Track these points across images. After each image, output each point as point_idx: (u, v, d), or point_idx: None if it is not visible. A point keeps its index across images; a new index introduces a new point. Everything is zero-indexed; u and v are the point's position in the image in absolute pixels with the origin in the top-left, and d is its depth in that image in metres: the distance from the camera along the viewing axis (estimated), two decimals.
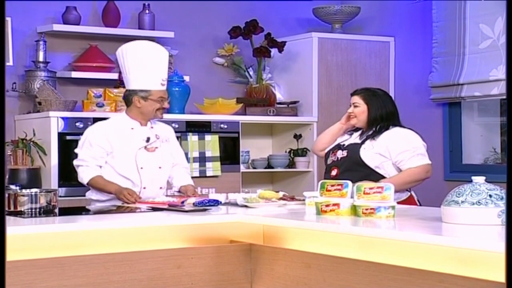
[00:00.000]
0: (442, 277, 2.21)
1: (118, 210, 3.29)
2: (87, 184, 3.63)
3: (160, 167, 3.72)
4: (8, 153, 4.51)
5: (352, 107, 3.64)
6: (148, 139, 3.70)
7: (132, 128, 3.69)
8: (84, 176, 3.61)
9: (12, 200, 2.94)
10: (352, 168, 3.47)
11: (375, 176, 3.42)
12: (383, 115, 3.57)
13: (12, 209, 2.93)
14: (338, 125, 3.75)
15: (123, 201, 3.48)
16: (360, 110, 3.60)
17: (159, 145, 3.74)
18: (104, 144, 3.63)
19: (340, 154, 3.58)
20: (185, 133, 4.83)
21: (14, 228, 2.63)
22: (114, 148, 3.63)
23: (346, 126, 3.70)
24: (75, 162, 3.68)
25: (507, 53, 2.01)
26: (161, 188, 3.75)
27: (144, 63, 3.65)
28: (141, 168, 3.66)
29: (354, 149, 3.54)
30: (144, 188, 3.66)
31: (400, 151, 3.47)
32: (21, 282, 2.49)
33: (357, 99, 3.63)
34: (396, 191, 3.44)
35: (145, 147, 3.69)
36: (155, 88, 3.65)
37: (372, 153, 3.48)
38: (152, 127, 3.76)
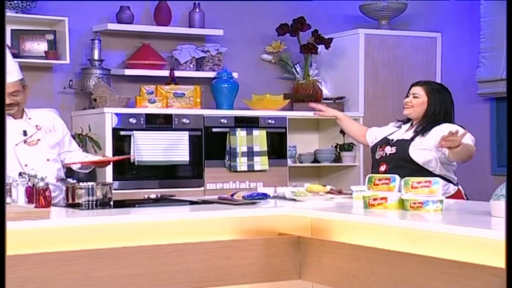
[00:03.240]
0: (494, 271, 2.18)
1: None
2: None
3: (48, 159, 3.40)
4: None
5: (411, 97, 3.60)
6: (25, 133, 3.37)
7: None
8: None
9: (70, 192, 3.03)
10: (401, 165, 3.47)
11: (423, 172, 3.40)
12: (441, 111, 3.54)
13: (70, 201, 3.03)
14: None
15: None
16: (419, 101, 3.57)
17: (41, 137, 3.40)
18: None
19: (389, 150, 3.57)
20: (233, 128, 4.91)
21: (73, 219, 2.72)
22: None
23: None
24: None
25: (507, 53, 2.00)
26: (57, 180, 3.40)
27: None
28: (25, 165, 3.31)
29: (403, 146, 3.53)
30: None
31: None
32: (80, 270, 2.56)
33: (418, 90, 3.59)
34: (455, 158, 3.37)
35: (25, 142, 3.35)
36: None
37: (420, 149, 3.48)
38: (30, 118, 3.41)
